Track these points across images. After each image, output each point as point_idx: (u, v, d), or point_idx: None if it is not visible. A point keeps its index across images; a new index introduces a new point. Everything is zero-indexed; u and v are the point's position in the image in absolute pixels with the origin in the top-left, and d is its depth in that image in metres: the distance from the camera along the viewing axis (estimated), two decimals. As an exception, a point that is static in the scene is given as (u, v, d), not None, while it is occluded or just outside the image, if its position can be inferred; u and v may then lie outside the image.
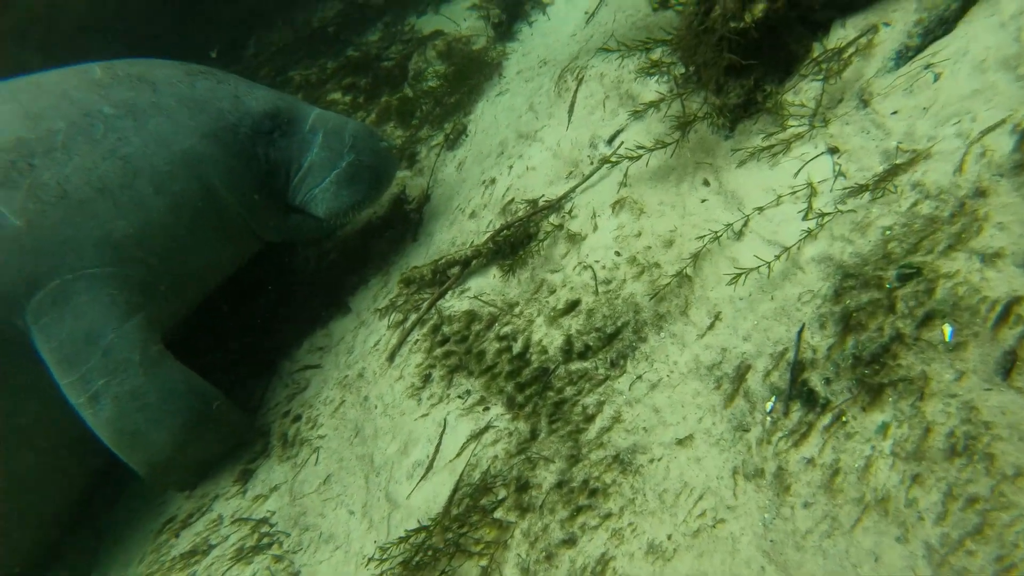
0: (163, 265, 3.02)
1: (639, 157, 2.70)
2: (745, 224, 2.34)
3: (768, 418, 1.95)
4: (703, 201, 2.52)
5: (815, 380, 1.92)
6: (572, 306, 2.61)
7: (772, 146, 2.44)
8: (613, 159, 2.81)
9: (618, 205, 2.76)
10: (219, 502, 3.21)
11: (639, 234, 2.61)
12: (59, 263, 2.75)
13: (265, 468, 3.22)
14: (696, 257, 2.37)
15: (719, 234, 2.35)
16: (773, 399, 1.96)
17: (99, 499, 3.68)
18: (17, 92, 3.00)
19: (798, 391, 1.93)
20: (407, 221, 3.85)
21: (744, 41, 2.37)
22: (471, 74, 4.46)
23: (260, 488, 3.13)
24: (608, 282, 2.58)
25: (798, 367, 1.96)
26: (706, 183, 2.56)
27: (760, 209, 2.33)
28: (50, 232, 2.74)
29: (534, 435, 2.37)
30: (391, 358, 3.04)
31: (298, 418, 3.30)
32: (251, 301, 4.10)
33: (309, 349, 3.65)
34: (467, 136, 4.09)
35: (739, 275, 2.19)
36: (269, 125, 3.24)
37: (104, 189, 2.84)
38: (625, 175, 2.80)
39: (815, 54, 2.48)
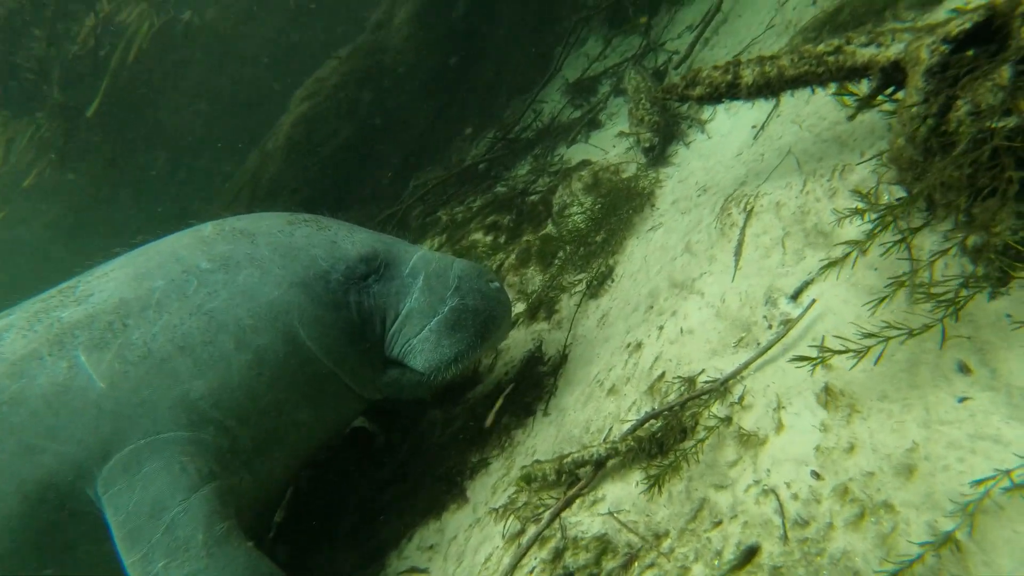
0: (243, 428, 2.64)
1: (842, 353, 1.84)
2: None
3: None
4: (961, 400, 1.58)
5: None
6: (747, 556, 1.72)
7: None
8: (798, 330, 1.97)
9: (815, 396, 1.88)
10: None
11: (851, 448, 1.70)
12: (133, 427, 2.47)
13: None
14: (972, 511, 1.41)
15: (1013, 474, 1.38)
16: None
17: None
18: (137, 256, 2.91)
19: None
20: (540, 387, 3.20)
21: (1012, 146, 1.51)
22: (619, 206, 3.86)
23: None
24: (803, 523, 1.68)
25: None
26: (964, 369, 1.62)
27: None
28: (129, 394, 2.49)
29: None
30: (501, 587, 2.30)
31: (395, 644, 2.63)
32: (367, 473, 3.62)
33: (419, 545, 3.01)
34: (612, 281, 3.42)
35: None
36: (364, 269, 2.87)
37: (185, 347, 2.58)
38: (821, 350, 1.93)
39: None
